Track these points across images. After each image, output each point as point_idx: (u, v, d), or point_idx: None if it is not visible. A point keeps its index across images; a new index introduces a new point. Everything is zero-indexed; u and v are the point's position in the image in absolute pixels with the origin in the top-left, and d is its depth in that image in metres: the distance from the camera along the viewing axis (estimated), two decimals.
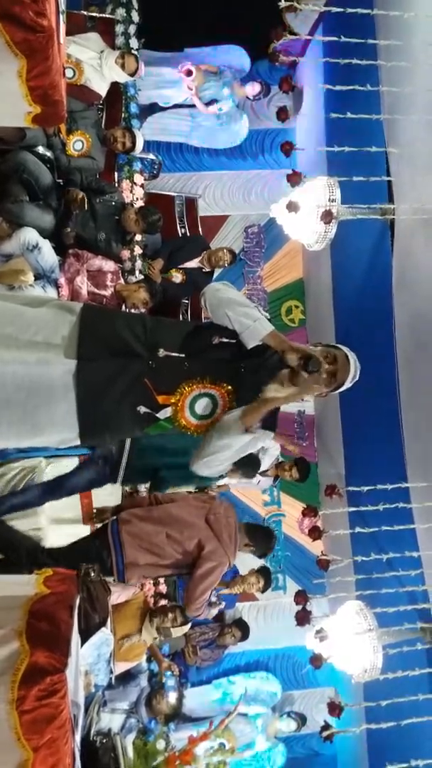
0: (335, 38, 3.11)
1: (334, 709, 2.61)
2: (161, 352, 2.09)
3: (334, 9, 3.22)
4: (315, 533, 3.16)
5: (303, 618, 2.79)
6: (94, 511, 3.61)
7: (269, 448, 4.56)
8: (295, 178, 3.13)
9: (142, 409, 2.08)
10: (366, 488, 2.82)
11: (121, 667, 3.85)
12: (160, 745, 3.14)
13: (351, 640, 3.41)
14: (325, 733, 2.52)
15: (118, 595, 3.88)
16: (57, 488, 3.41)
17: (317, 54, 4.23)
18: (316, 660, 2.81)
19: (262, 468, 4.61)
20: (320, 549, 4.42)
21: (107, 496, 3.82)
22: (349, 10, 2.96)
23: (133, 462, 3.40)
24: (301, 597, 2.85)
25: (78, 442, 2.12)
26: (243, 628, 5.22)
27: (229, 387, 2.11)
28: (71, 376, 2.03)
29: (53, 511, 3.62)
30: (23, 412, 2.04)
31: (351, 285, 5.00)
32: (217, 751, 3.10)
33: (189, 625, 4.21)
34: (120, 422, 2.13)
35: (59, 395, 2.04)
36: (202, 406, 2.12)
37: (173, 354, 2.09)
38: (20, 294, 3.49)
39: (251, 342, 2.12)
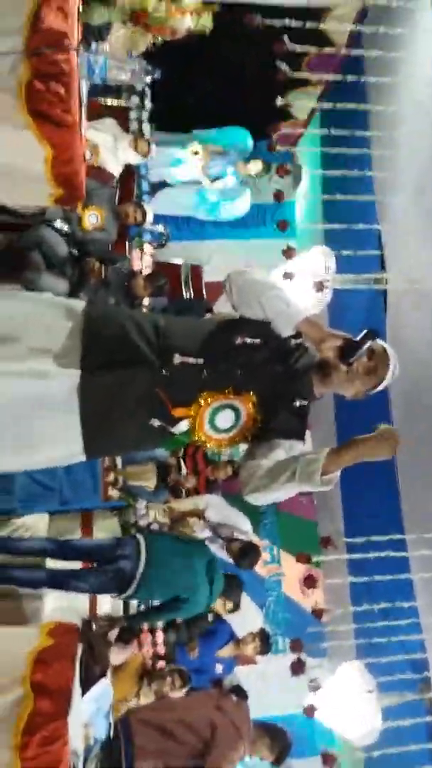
0: (326, 130, 3.44)
1: (328, 760, 2.62)
2: (176, 359, 1.84)
3: (326, 104, 3.58)
4: (309, 581, 3.22)
5: (298, 668, 2.82)
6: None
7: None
8: (290, 253, 3.39)
9: (156, 423, 1.85)
10: (361, 539, 2.92)
11: None
12: None
13: (350, 703, 3.41)
14: None
15: (115, 656, 3.87)
16: (62, 582, 3.34)
17: (315, 138, 4.62)
18: (310, 710, 2.82)
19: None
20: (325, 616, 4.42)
21: None
22: (339, 106, 3.30)
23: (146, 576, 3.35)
24: (296, 645, 2.89)
25: (83, 458, 1.92)
26: (241, 696, 5.12)
27: (255, 398, 1.87)
28: (75, 389, 1.81)
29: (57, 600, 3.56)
30: (18, 428, 1.81)
31: None
32: None
33: (187, 688, 4.18)
34: (130, 437, 1.92)
35: (60, 410, 1.81)
36: (223, 418, 1.87)
37: (190, 360, 1.84)
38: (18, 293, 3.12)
39: (286, 330, 1.90)
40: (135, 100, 5.05)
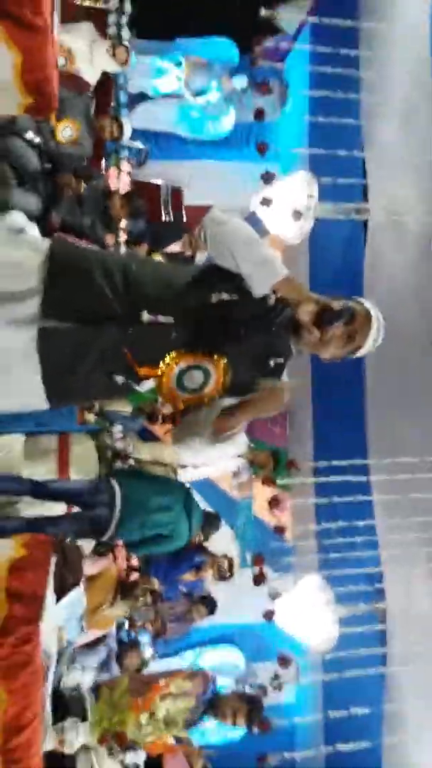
0: (310, 46, 3.26)
1: (283, 662, 2.85)
2: (145, 317, 1.71)
3: (311, 19, 3.38)
4: (274, 502, 3.38)
5: (259, 578, 3.02)
6: None
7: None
8: (269, 178, 3.27)
9: (120, 379, 1.76)
10: (323, 463, 3.05)
11: (92, 635, 4.05)
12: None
13: (310, 613, 3.67)
14: (274, 683, 2.76)
15: (89, 567, 4.06)
16: (39, 529, 3.38)
17: (303, 55, 4.39)
18: (268, 615, 3.05)
19: (236, 452, 4.77)
20: (289, 533, 4.65)
21: None
22: (326, 21, 3.12)
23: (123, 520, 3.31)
24: (258, 559, 3.08)
25: (47, 407, 1.83)
26: (210, 605, 5.45)
27: (226, 359, 1.77)
28: (33, 342, 1.70)
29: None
30: None
31: (326, 277, 5.22)
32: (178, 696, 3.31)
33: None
34: (93, 391, 1.86)
35: (18, 363, 1.72)
36: (192, 378, 1.78)
37: (159, 318, 1.72)
38: None
39: (259, 288, 1.74)
40: (114, 2, 4.71)
